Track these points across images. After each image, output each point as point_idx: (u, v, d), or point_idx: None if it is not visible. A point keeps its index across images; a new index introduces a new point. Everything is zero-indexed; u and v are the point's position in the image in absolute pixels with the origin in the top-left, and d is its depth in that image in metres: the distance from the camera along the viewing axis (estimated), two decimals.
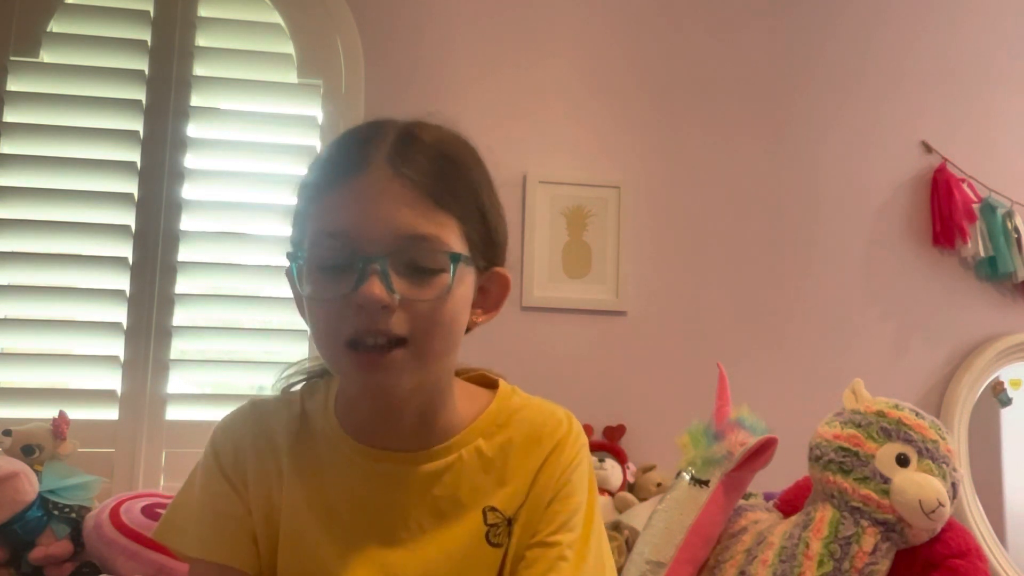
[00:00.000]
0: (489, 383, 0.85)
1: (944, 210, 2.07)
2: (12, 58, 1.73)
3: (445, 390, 0.77)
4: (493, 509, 0.77)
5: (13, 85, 1.74)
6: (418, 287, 0.68)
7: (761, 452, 1.29)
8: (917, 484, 1.17)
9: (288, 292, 0.78)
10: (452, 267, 0.69)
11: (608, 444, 1.81)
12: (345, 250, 0.68)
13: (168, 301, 1.72)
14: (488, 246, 0.75)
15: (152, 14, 1.80)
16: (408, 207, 0.68)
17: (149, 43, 1.79)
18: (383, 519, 0.76)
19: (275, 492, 0.78)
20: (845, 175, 2.08)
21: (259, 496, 0.78)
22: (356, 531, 0.75)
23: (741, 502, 1.37)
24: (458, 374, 0.84)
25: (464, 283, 0.72)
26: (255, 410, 0.82)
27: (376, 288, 0.66)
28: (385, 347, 0.68)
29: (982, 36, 2.21)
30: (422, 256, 0.68)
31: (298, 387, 0.85)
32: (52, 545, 1.40)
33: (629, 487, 1.77)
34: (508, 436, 0.79)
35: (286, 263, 0.75)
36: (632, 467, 1.79)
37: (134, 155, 1.76)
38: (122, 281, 1.72)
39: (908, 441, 1.22)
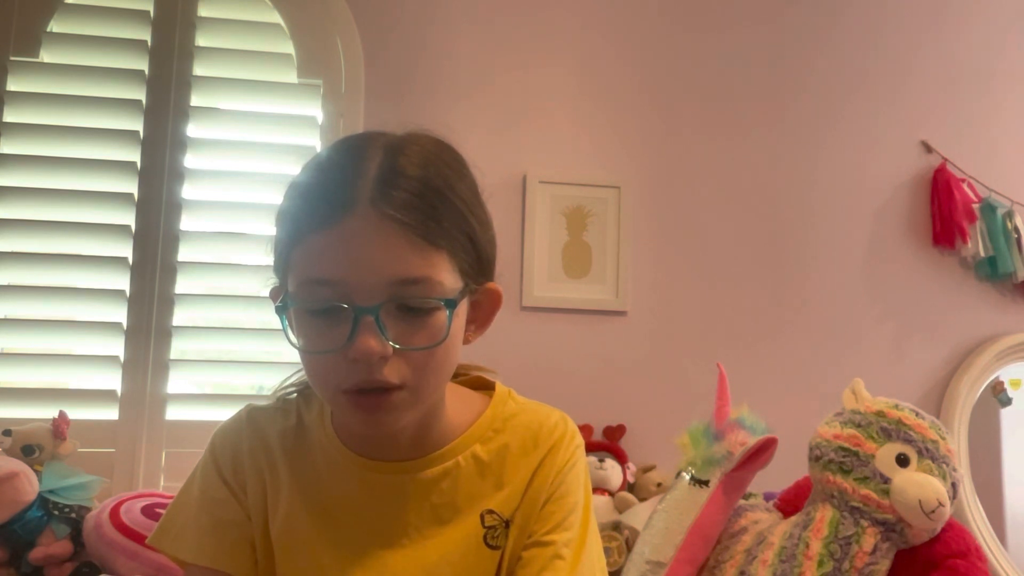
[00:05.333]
0: (485, 385, 0.85)
1: (944, 210, 2.07)
2: (12, 58, 1.73)
3: (439, 403, 0.77)
4: (491, 512, 0.77)
5: (13, 85, 1.74)
6: (412, 330, 0.67)
7: (761, 452, 1.29)
8: (917, 484, 1.17)
9: None
10: (448, 313, 0.68)
11: (608, 444, 1.81)
12: (335, 297, 0.66)
13: (168, 301, 1.72)
14: (479, 268, 0.73)
15: (152, 14, 1.80)
16: (398, 251, 0.65)
17: (149, 43, 1.79)
18: (382, 526, 0.76)
19: (272, 499, 0.78)
20: (845, 175, 2.08)
21: (257, 503, 0.78)
22: (355, 538, 0.75)
23: (741, 502, 1.37)
24: (453, 376, 0.84)
25: (459, 317, 0.70)
26: (252, 417, 0.82)
27: (371, 342, 0.64)
28: (383, 390, 0.67)
29: (983, 36, 2.21)
30: (415, 300, 0.66)
31: (293, 396, 0.85)
32: (52, 545, 1.40)
33: (629, 487, 1.77)
34: (504, 441, 0.79)
35: (271, 288, 0.75)
36: (632, 467, 1.79)
37: (134, 155, 1.75)
38: (122, 281, 1.72)
39: (908, 441, 1.22)
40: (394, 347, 0.66)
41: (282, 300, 0.70)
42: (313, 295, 0.67)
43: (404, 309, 0.67)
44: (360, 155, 0.69)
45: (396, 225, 0.65)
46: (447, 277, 0.68)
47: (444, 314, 0.68)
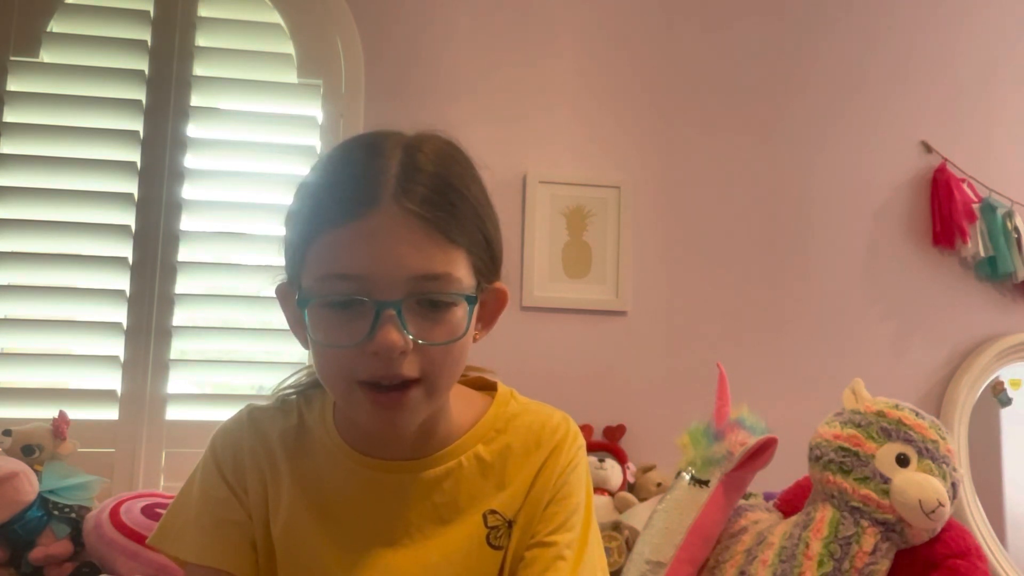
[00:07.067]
0: (486, 385, 0.85)
1: (944, 210, 2.07)
2: (12, 58, 1.73)
3: (444, 402, 0.77)
4: (493, 512, 0.77)
5: (13, 85, 1.74)
6: (432, 326, 0.67)
7: (761, 452, 1.29)
8: (917, 484, 1.17)
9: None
10: (469, 309, 0.69)
11: (608, 444, 1.81)
12: (357, 291, 0.66)
13: (168, 301, 1.72)
14: (491, 267, 0.74)
15: (152, 14, 1.80)
16: (420, 247, 0.66)
17: (149, 43, 1.79)
18: (384, 526, 0.76)
19: (273, 499, 0.78)
20: (845, 175, 2.08)
21: (258, 502, 0.78)
22: (357, 537, 0.76)
23: (741, 502, 1.37)
24: None
25: (473, 316, 0.71)
26: (252, 417, 0.82)
27: (393, 335, 0.65)
28: (401, 386, 0.67)
29: (983, 36, 2.21)
30: (435, 294, 0.67)
31: (293, 397, 0.84)
32: (52, 545, 1.40)
33: (629, 487, 1.77)
34: (507, 442, 0.79)
35: (278, 285, 0.75)
36: (632, 467, 1.79)
37: (134, 155, 1.75)
38: (122, 281, 1.72)
39: (908, 441, 1.22)
40: (415, 342, 0.66)
41: (299, 296, 0.70)
42: (334, 289, 0.67)
43: (425, 304, 0.67)
44: (379, 152, 0.69)
45: (419, 221, 0.66)
46: (464, 274, 0.69)
47: (463, 310, 0.69)
